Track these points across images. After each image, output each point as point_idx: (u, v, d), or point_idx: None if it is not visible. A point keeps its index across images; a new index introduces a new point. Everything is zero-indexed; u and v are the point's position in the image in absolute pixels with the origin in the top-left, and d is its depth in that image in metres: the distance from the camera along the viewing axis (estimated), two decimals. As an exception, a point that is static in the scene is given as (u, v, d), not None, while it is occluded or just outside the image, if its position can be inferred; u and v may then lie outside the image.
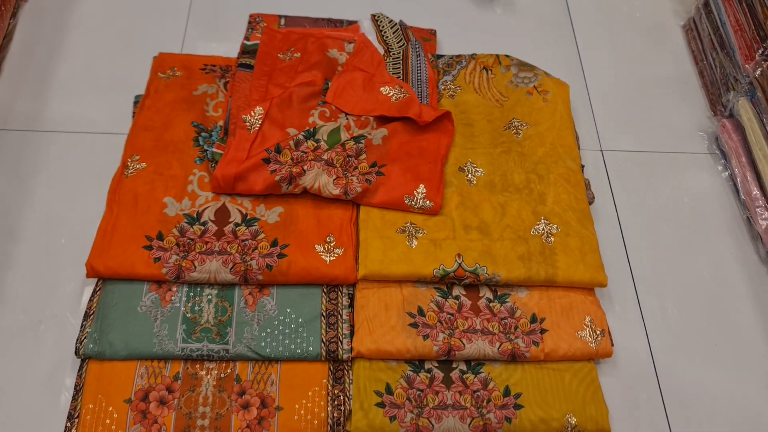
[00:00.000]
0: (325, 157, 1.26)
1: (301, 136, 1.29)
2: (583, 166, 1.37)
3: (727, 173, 1.46)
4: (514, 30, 1.66)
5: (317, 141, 1.29)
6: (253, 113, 1.31)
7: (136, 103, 1.40)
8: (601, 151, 1.47)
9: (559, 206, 1.28)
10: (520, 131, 1.39)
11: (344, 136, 1.32)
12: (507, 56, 1.52)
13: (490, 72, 1.50)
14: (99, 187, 1.27)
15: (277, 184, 1.22)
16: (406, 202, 1.25)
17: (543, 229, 1.25)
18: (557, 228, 1.25)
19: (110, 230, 1.17)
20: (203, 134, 1.32)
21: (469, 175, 1.32)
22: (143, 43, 1.52)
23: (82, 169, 1.33)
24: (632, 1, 1.75)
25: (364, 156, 1.29)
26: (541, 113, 1.41)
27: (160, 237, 1.17)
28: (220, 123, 1.35)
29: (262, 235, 1.19)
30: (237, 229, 1.20)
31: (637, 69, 1.62)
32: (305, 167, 1.23)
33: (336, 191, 1.23)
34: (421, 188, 1.26)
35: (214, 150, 1.28)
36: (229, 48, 1.51)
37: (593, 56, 1.63)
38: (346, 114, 1.36)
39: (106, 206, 1.21)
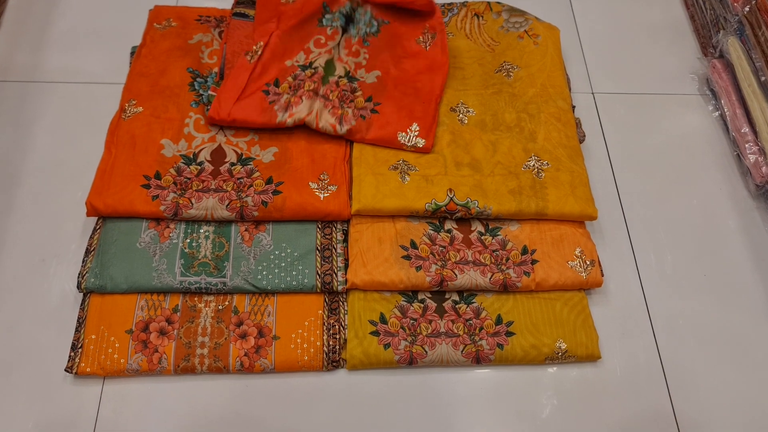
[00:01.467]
0: (321, 91, 1.28)
1: (299, 71, 1.31)
2: (573, 107, 1.39)
3: (717, 113, 1.47)
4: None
5: (314, 68, 1.31)
6: (255, 46, 1.34)
7: (132, 53, 1.43)
8: (592, 93, 1.49)
9: (550, 143, 1.30)
10: (511, 73, 1.41)
11: (339, 68, 1.34)
12: (498, 2, 1.53)
13: (481, 18, 1.51)
14: (98, 134, 1.29)
15: (275, 112, 1.25)
16: (399, 139, 1.27)
17: (533, 165, 1.27)
18: (547, 164, 1.27)
19: (109, 170, 1.20)
20: (198, 80, 1.35)
21: (461, 115, 1.34)
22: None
23: (81, 117, 1.36)
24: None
25: (359, 92, 1.31)
26: (532, 56, 1.43)
27: (158, 176, 1.20)
28: (216, 69, 1.37)
29: (258, 174, 1.22)
30: (233, 168, 1.22)
31: (628, 13, 1.63)
32: (303, 96, 1.26)
33: (332, 120, 1.25)
34: (414, 126, 1.29)
35: (210, 93, 1.30)
36: (222, 1, 1.54)
37: (584, 1, 1.64)
38: (341, 35, 1.38)
39: (105, 148, 1.24)
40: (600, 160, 1.39)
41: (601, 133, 1.43)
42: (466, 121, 1.33)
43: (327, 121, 1.25)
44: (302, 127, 1.28)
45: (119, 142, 1.24)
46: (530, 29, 1.47)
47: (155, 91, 1.31)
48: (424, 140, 1.28)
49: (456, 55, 1.44)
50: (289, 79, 1.30)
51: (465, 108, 1.35)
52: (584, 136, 1.36)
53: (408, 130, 1.28)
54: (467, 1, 1.54)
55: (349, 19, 1.42)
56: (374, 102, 1.31)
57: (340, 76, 1.32)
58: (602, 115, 1.45)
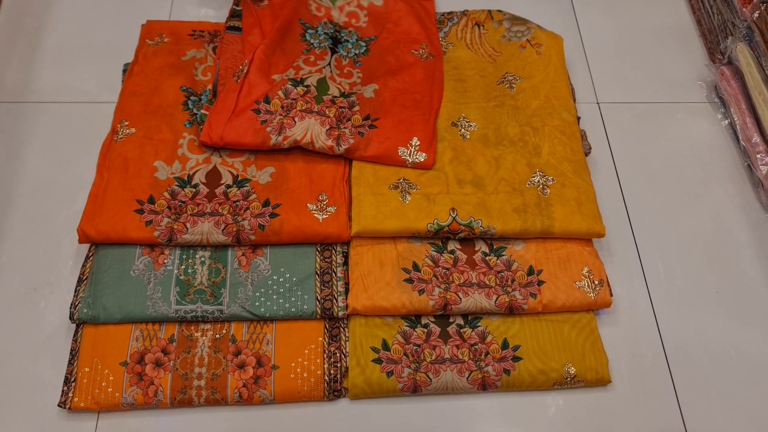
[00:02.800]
0: (316, 109, 1.25)
1: (289, 85, 1.27)
2: (579, 118, 1.35)
3: (726, 121, 1.43)
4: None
5: (306, 87, 1.28)
6: (242, 65, 1.31)
7: (125, 71, 1.39)
8: (597, 103, 1.45)
9: (555, 158, 1.26)
10: (514, 85, 1.37)
11: (332, 87, 1.30)
12: (499, 11, 1.49)
13: (482, 27, 1.47)
14: (90, 155, 1.26)
15: (267, 134, 1.21)
16: (400, 154, 1.23)
17: (538, 181, 1.23)
18: (553, 179, 1.23)
19: (101, 195, 1.17)
20: (192, 98, 1.31)
21: (463, 130, 1.30)
22: (131, 11, 1.51)
23: (73, 137, 1.33)
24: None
25: (357, 108, 1.28)
26: (535, 66, 1.39)
27: (152, 200, 1.16)
28: (209, 86, 1.33)
29: (254, 196, 1.18)
30: (228, 190, 1.19)
31: (633, 19, 1.59)
32: (296, 118, 1.22)
33: (328, 142, 1.22)
34: (415, 141, 1.25)
35: (203, 112, 1.26)
36: (217, 14, 1.50)
37: (588, 8, 1.60)
38: (331, 56, 1.36)
39: (96, 172, 1.20)
40: (607, 172, 1.35)
41: (608, 145, 1.39)
42: (468, 137, 1.29)
43: (323, 142, 1.22)
44: (299, 147, 1.24)
45: (111, 165, 1.20)
46: (533, 38, 1.43)
47: (148, 111, 1.28)
48: (425, 154, 1.24)
49: (457, 66, 1.41)
50: (280, 94, 1.26)
51: (467, 122, 1.31)
52: (590, 148, 1.32)
53: (408, 145, 1.25)
54: (468, 10, 1.50)
55: (336, 41, 1.40)
56: (372, 118, 1.27)
57: (334, 96, 1.28)
58: (608, 126, 1.41)
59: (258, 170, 1.22)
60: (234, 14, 1.43)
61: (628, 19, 1.59)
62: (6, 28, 1.48)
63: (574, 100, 1.37)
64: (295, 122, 1.22)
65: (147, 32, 1.42)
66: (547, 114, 1.32)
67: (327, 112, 1.25)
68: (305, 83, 1.28)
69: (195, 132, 1.26)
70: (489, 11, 1.50)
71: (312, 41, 1.37)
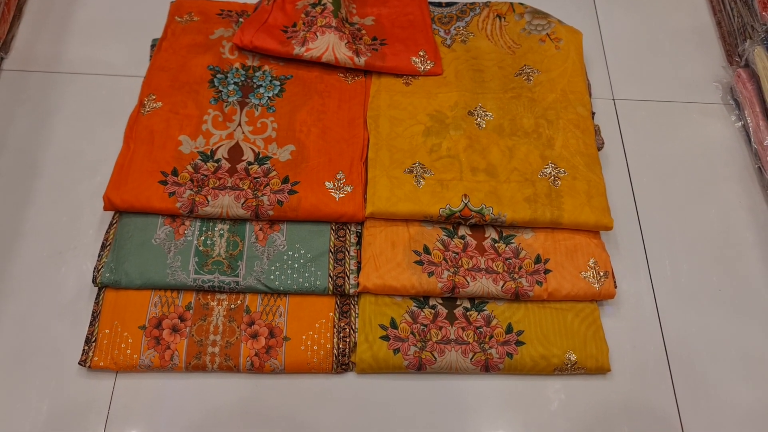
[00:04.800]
0: (334, 24, 1.36)
1: (309, 7, 1.39)
2: (593, 113, 1.37)
3: (740, 124, 1.45)
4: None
5: (323, 4, 1.39)
6: None
7: (153, 46, 1.43)
8: (613, 99, 1.47)
9: (567, 151, 1.29)
10: (531, 77, 1.39)
11: (343, 9, 1.43)
12: (521, 4, 1.52)
13: (503, 19, 1.50)
14: (117, 127, 1.30)
15: (291, 45, 1.35)
16: (413, 63, 1.39)
17: (550, 173, 1.26)
18: (564, 172, 1.26)
19: (127, 165, 1.21)
20: (219, 76, 1.35)
21: (479, 119, 1.33)
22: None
23: (101, 109, 1.37)
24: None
25: (364, 32, 1.44)
26: (553, 60, 1.41)
27: (175, 173, 1.21)
28: (236, 65, 1.37)
29: (274, 173, 1.22)
30: (249, 167, 1.23)
31: (653, 18, 1.61)
32: (318, 33, 1.35)
33: (348, 53, 1.35)
34: (422, 52, 1.41)
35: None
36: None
37: (609, 4, 1.62)
38: None
39: (123, 142, 1.25)
40: (618, 168, 1.38)
41: (621, 141, 1.42)
42: (483, 126, 1.32)
43: (344, 53, 1.35)
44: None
45: (138, 137, 1.25)
46: (552, 32, 1.45)
47: (175, 87, 1.32)
48: (433, 62, 1.40)
49: (476, 56, 1.43)
50: (302, 15, 1.38)
51: (483, 112, 1.34)
52: (603, 143, 1.34)
53: (418, 55, 1.40)
54: (490, 1, 1.53)
55: None
56: (380, 39, 1.42)
57: (344, 19, 1.40)
58: (622, 122, 1.44)
59: (279, 147, 1.26)
60: None
61: (648, 17, 1.61)
62: (38, 1, 1.52)
63: (590, 95, 1.40)
64: (317, 36, 1.35)
65: (176, 10, 1.46)
66: (563, 107, 1.35)
67: (344, 30, 1.36)
68: (322, 2, 1.39)
69: (219, 109, 1.30)
70: (511, 3, 1.52)
71: None
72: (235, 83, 1.34)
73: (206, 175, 1.21)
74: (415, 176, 1.24)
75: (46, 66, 1.43)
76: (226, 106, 1.30)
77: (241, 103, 1.31)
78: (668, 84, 1.51)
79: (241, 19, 1.45)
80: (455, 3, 1.53)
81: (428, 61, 1.39)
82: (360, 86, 1.36)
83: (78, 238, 1.23)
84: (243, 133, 1.28)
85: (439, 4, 1.53)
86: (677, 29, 1.59)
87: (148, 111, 1.28)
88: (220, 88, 1.33)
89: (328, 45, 1.34)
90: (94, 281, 1.14)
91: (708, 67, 1.54)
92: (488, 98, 1.36)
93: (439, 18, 1.50)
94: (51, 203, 1.26)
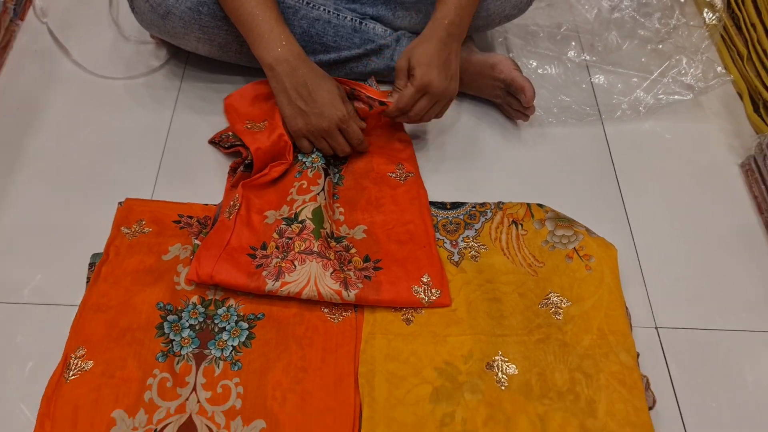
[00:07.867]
0: (315, 249, 1.07)
1: (283, 225, 1.11)
2: (638, 354, 1.11)
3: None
4: (547, 168, 1.42)
5: (301, 222, 1.11)
6: (233, 201, 1.16)
7: (92, 265, 1.15)
8: (656, 328, 1.21)
9: (614, 420, 1.01)
10: (560, 310, 1.13)
11: (327, 222, 1.14)
12: (540, 206, 1.28)
13: (520, 227, 1.25)
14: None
15: (263, 278, 1.06)
16: (414, 293, 1.11)
17: (595, 455, 0.98)
18: (614, 453, 0.98)
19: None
20: (171, 317, 1.07)
21: (500, 374, 1.06)
22: (110, 183, 1.29)
23: (26, 352, 1.07)
24: (679, 137, 1.50)
25: (354, 250, 1.13)
26: (584, 285, 1.16)
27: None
28: (194, 299, 1.09)
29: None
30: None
31: (694, 221, 1.36)
32: (296, 262, 1.06)
33: (335, 285, 1.06)
34: (426, 277, 1.13)
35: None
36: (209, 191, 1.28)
37: (639, 203, 1.37)
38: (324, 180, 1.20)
39: (36, 423, 0.95)
40: (671, 428, 1.09)
41: (671, 388, 1.14)
42: (506, 384, 1.05)
43: (330, 287, 1.06)
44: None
45: (56, 415, 0.94)
46: (580, 247, 1.21)
47: (112, 337, 1.03)
48: (439, 290, 1.12)
49: (491, 278, 1.18)
50: (275, 235, 1.10)
51: (504, 363, 1.07)
52: (654, 401, 1.07)
53: (421, 282, 1.12)
54: (503, 203, 1.29)
55: (327, 162, 1.25)
56: (373, 260, 1.13)
57: (328, 235, 1.12)
58: (670, 360, 1.17)
59: (244, 425, 0.96)
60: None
61: (688, 220, 1.35)
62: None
63: (630, 328, 1.14)
64: (295, 266, 1.06)
65: (123, 217, 1.19)
66: (602, 354, 1.08)
67: (326, 254, 1.08)
68: (299, 219, 1.11)
69: (169, 367, 1.01)
70: (528, 206, 1.28)
71: (303, 159, 1.23)
72: (191, 327, 1.06)
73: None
74: (425, 467, 0.95)
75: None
76: (177, 363, 1.01)
77: (198, 357, 1.03)
78: (720, 306, 1.23)
79: (203, 232, 1.18)
80: (462, 204, 1.29)
81: (433, 290, 1.12)
82: (349, 327, 1.08)
83: None
84: (198, 401, 0.98)
85: (443, 206, 1.28)
86: (720, 232, 1.33)
87: (73, 376, 0.99)
88: (172, 336, 1.05)
89: (310, 277, 1.06)
90: None
91: (764, 280, 1.28)
92: (510, 342, 1.09)
93: (444, 225, 1.25)
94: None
